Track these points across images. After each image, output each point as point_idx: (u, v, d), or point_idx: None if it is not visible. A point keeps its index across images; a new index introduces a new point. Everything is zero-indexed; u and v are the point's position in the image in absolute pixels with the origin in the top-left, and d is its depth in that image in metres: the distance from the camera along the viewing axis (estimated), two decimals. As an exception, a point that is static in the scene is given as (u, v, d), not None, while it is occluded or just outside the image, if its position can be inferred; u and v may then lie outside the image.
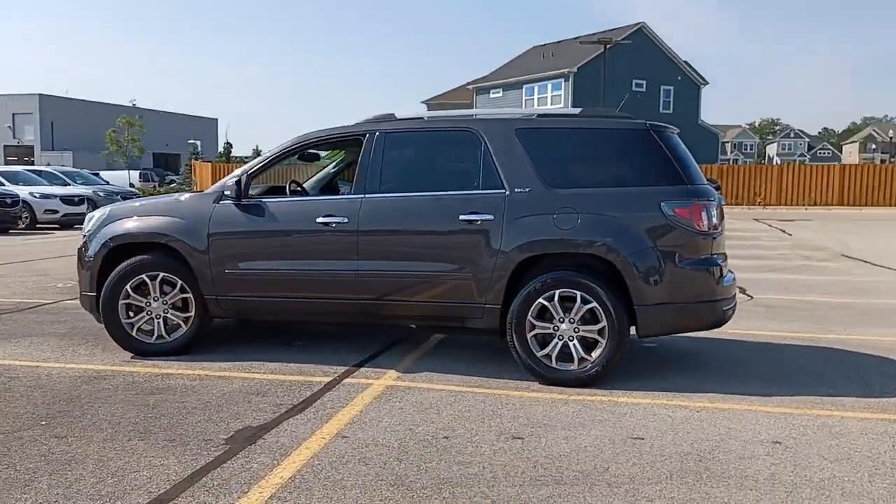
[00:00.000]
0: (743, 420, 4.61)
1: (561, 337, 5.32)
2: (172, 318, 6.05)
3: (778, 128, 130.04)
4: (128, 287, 6.01)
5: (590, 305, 5.25)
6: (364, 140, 5.88)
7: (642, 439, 4.26)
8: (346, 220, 5.68)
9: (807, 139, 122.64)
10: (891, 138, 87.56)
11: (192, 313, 6.02)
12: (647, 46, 49.70)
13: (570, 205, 5.35)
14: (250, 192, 6.00)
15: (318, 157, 7.47)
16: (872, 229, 21.91)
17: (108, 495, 3.47)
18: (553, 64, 50.22)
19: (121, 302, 6.02)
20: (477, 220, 5.46)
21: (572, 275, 5.32)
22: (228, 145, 57.23)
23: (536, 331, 5.36)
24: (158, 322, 6.05)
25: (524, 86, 50.79)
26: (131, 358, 5.99)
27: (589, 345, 5.30)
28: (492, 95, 53.42)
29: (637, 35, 48.94)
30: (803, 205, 35.31)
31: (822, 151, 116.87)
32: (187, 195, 6.43)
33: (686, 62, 52.51)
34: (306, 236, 5.83)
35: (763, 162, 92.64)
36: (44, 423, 4.45)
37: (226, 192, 5.95)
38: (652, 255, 5.24)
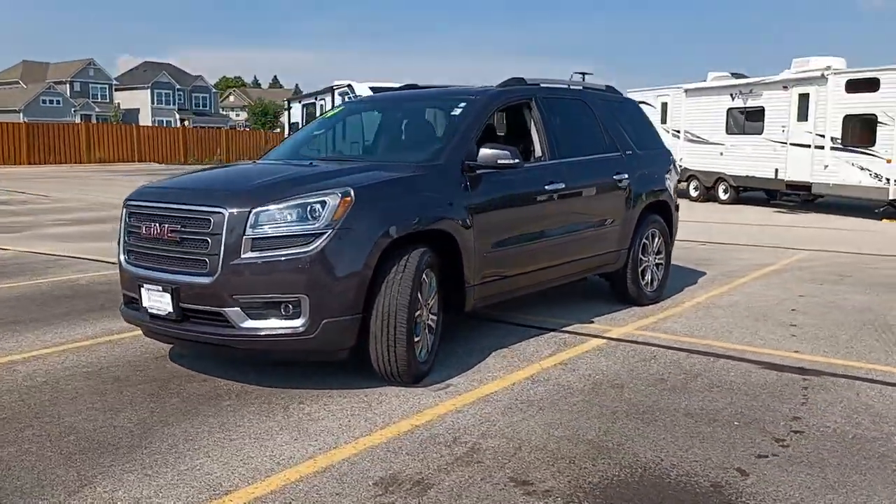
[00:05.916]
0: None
1: (649, 267, 6.82)
2: (432, 325, 4.68)
3: None
4: (418, 293, 4.38)
5: (661, 239, 6.93)
6: (533, 104, 5.76)
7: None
8: (563, 185, 5.64)
9: None
10: None
11: (439, 315, 4.79)
12: None
13: (648, 163, 6.82)
14: None
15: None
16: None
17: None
18: None
19: (416, 315, 4.36)
20: (621, 179, 6.36)
21: (657, 216, 6.85)
22: None
23: (643, 265, 6.71)
24: (425, 333, 4.59)
25: None
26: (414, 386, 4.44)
27: (657, 269, 6.96)
28: None
29: None
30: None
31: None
32: (417, 166, 4.77)
33: None
34: (543, 204, 5.51)
35: None
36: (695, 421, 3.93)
37: (468, 161, 4.90)
38: (673, 196, 7.23)
